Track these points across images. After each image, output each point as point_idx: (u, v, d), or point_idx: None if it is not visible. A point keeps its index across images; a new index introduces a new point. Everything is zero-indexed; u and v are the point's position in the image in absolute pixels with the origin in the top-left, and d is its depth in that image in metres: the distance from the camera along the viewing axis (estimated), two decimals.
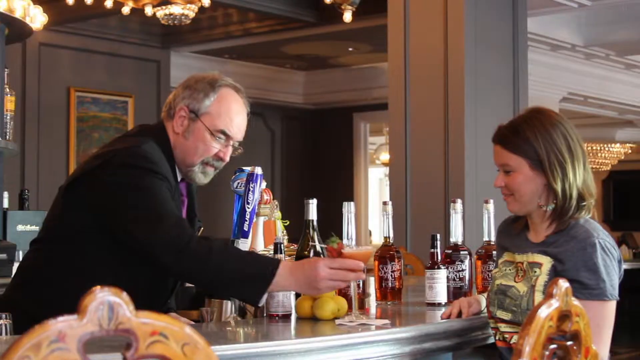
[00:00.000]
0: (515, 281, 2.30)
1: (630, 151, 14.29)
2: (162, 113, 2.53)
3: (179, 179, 2.50)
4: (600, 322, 2.16)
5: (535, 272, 2.25)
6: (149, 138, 2.42)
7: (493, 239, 2.87)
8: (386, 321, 2.28)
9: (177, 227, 2.24)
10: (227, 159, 2.49)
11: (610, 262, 2.21)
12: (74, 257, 2.39)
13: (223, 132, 2.44)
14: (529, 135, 2.26)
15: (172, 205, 2.31)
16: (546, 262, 2.24)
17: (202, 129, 2.43)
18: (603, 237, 2.23)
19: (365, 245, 2.42)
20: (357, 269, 2.20)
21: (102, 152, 2.39)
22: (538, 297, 2.21)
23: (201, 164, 2.45)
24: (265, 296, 2.23)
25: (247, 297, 2.27)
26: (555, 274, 2.20)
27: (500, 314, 2.31)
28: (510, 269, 2.35)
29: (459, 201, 2.89)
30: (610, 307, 2.20)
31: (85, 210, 2.34)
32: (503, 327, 2.31)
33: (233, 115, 2.45)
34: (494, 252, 2.75)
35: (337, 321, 2.27)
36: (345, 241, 2.54)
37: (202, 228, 2.70)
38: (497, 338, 2.35)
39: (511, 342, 2.29)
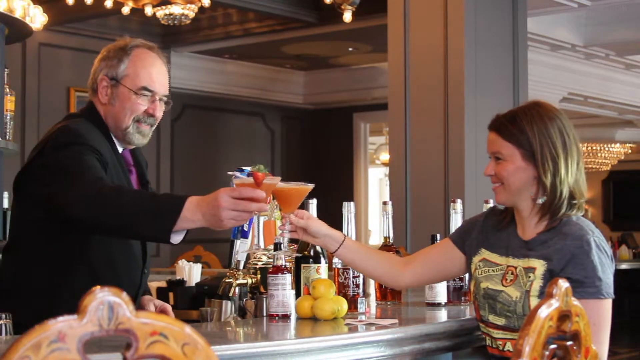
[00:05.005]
0: (503, 285, 2.26)
1: (630, 151, 14.30)
2: (88, 94, 2.60)
3: (119, 150, 2.56)
4: (596, 320, 2.13)
5: (529, 277, 2.21)
6: (78, 119, 2.51)
7: None
8: (394, 320, 2.28)
9: (92, 182, 2.24)
10: (159, 114, 2.55)
11: (605, 259, 2.19)
12: (47, 259, 2.43)
13: (145, 88, 2.52)
14: (525, 125, 2.25)
15: (95, 169, 2.32)
16: (539, 265, 2.21)
17: (126, 92, 2.51)
18: (597, 235, 2.22)
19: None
20: (258, 198, 2.09)
21: (39, 142, 2.47)
22: (534, 302, 2.16)
23: (134, 123, 2.52)
24: (180, 236, 2.16)
25: (158, 232, 2.17)
26: (550, 275, 2.17)
27: (493, 319, 2.27)
28: (494, 270, 2.30)
29: (459, 201, 2.89)
30: (606, 305, 2.18)
31: (36, 205, 2.38)
32: (496, 333, 2.27)
33: (150, 70, 2.54)
34: None
35: (346, 321, 2.27)
36: None
37: None
38: (487, 344, 2.31)
39: (505, 350, 2.24)
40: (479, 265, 2.35)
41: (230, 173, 2.17)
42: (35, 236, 2.44)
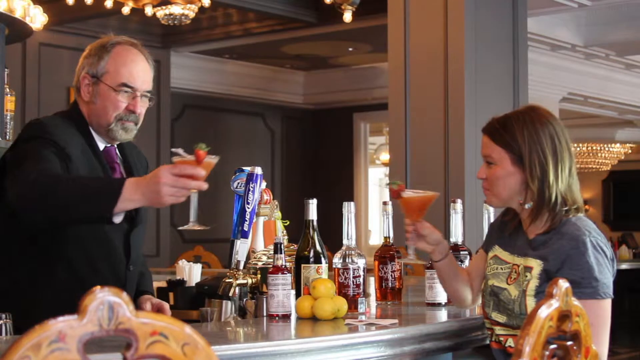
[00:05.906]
0: (507, 283, 2.28)
1: (630, 151, 14.29)
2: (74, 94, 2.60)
3: (100, 147, 2.54)
4: (594, 321, 2.13)
5: (526, 276, 2.23)
6: (55, 115, 2.54)
7: None
8: (394, 321, 2.28)
9: (33, 175, 2.22)
10: (139, 110, 2.52)
11: (603, 259, 2.19)
12: (28, 258, 2.42)
13: (125, 85, 2.49)
14: (515, 129, 2.26)
15: (45, 162, 2.29)
16: (536, 265, 2.22)
17: (106, 89, 2.49)
18: (595, 236, 2.21)
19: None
20: (197, 176, 2.10)
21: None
22: (530, 301, 2.18)
23: (117, 121, 2.50)
24: (119, 217, 2.19)
25: (98, 212, 2.18)
26: (546, 275, 2.18)
27: (496, 316, 2.29)
28: (502, 268, 2.33)
29: (459, 201, 2.89)
30: (605, 305, 2.17)
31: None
32: (498, 330, 2.30)
33: (130, 67, 2.51)
34: None
35: (346, 321, 2.27)
36: (345, 241, 2.54)
37: None
38: (492, 339, 2.33)
39: (506, 345, 2.26)
40: (490, 263, 2.38)
41: (173, 150, 2.18)
42: (14, 235, 2.43)
